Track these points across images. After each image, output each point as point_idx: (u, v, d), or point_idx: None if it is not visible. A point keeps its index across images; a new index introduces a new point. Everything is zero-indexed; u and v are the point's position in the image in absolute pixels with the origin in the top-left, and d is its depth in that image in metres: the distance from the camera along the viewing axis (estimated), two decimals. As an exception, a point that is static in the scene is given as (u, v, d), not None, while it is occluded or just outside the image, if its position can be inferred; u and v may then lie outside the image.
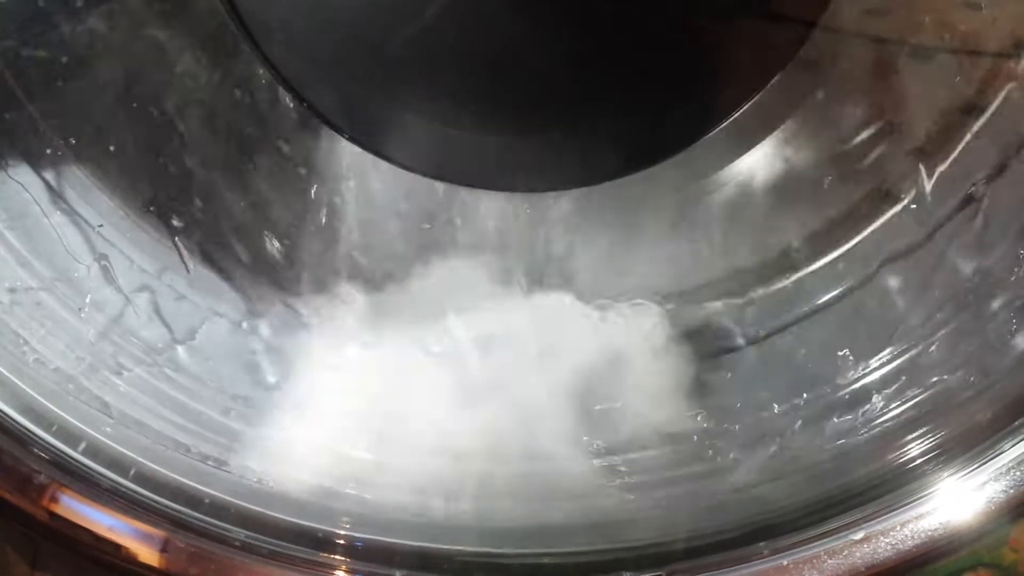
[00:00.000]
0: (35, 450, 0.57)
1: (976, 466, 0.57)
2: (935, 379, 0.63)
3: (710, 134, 0.61)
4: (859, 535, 0.56)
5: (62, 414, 0.60)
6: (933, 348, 0.64)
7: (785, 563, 0.57)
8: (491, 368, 0.65)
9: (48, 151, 0.66)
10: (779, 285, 0.67)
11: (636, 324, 0.66)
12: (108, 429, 0.61)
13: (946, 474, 0.57)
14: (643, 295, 0.67)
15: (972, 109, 0.62)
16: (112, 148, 0.67)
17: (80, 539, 0.56)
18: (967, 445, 0.58)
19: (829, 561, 0.56)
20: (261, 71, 0.63)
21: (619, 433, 0.65)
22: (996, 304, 0.63)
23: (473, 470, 0.63)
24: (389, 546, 0.60)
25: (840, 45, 0.61)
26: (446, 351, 0.66)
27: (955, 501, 0.56)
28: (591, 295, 0.67)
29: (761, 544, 0.58)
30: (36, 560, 0.57)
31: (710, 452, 0.64)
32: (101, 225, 0.67)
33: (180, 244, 0.68)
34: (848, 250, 0.66)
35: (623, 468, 0.64)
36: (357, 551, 0.60)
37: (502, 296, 0.67)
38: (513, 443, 0.63)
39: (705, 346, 0.68)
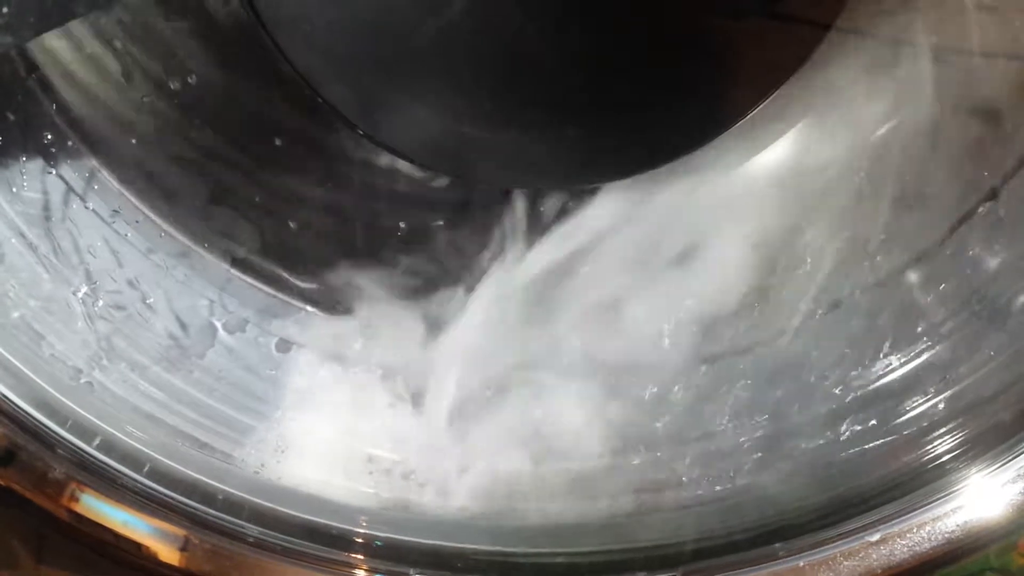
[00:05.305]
0: (58, 450, 0.58)
1: (998, 466, 0.57)
2: (956, 378, 0.62)
3: (723, 134, 0.61)
4: (875, 537, 0.56)
5: (77, 409, 0.60)
6: (955, 346, 0.63)
7: (801, 564, 0.57)
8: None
9: (67, 144, 0.66)
10: (797, 284, 0.66)
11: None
12: (123, 425, 0.61)
13: (966, 475, 0.57)
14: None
15: (988, 111, 0.61)
16: (133, 141, 0.67)
17: (101, 538, 0.57)
18: (988, 445, 0.58)
19: (845, 563, 0.56)
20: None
21: (634, 431, 0.65)
22: (1019, 301, 0.62)
23: (489, 470, 0.63)
24: (404, 544, 0.61)
25: (856, 45, 0.60)
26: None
27: (974, 502, 0.56)
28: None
29: (776, 545, 0.58)
30: (41, 553, 0.58)
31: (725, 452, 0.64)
32: (115, 219, 0.67)
33: (192, 240, 0.69)
34: (868, 247, 0.65)
35: (639, 468, 0.65)
36: (374, 550, 0.60)
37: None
38: (529, 443, 0.64)
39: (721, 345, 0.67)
